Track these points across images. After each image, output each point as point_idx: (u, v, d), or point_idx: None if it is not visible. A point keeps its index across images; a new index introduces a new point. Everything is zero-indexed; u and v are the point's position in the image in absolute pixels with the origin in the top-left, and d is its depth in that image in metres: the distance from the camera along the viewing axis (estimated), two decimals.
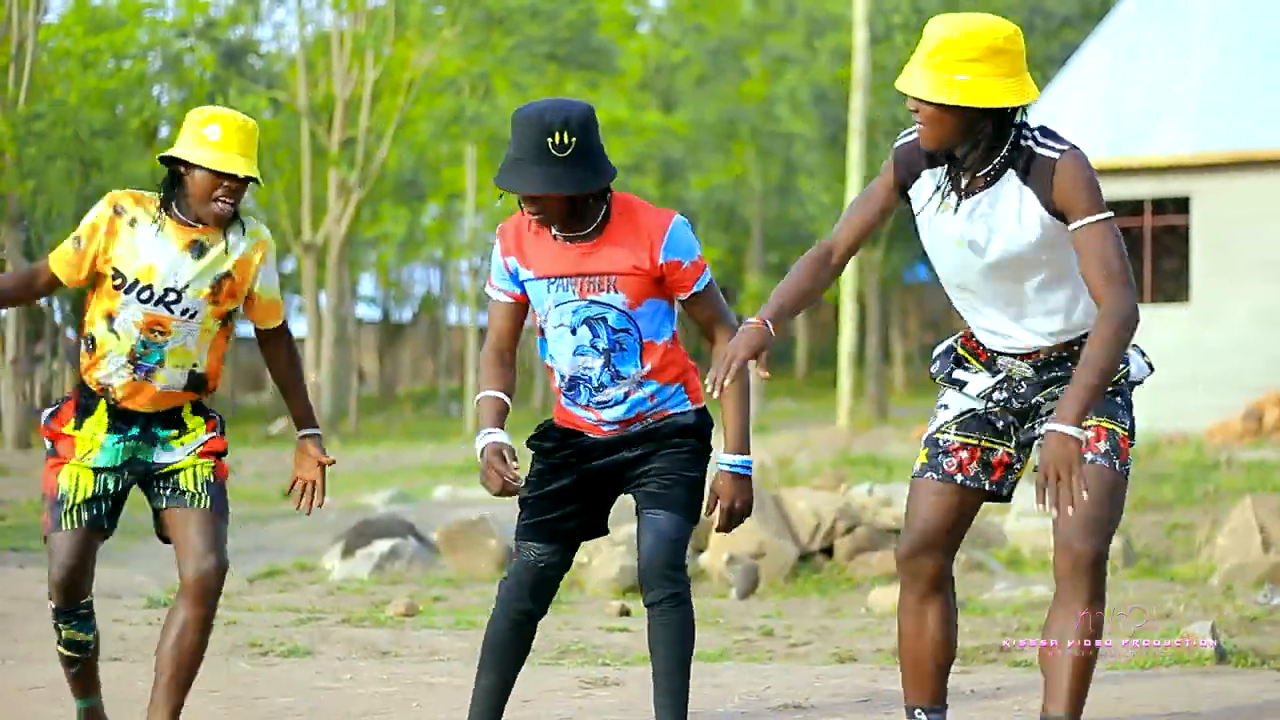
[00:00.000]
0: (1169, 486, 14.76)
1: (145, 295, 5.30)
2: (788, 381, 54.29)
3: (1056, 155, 4.63)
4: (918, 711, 4.98)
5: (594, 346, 5.04)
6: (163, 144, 43.35)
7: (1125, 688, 6.57)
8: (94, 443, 5.36)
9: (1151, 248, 24.11)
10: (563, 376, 5.09)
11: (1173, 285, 24.31)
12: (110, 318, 5.32)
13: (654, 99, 49.18)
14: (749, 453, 5.06)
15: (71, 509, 5.33)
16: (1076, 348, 4.80)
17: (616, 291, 5.00)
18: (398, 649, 8.19)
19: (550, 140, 4.83)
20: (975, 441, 4.92)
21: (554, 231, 4.99)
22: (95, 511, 5.35)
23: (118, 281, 5.31)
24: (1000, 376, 4.88)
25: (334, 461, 5.65)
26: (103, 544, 5.47)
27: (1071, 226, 4.62)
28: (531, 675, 7.13)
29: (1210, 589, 10.16)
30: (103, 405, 5.36)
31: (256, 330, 5.53)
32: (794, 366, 56.10)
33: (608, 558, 10.76)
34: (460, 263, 49.93)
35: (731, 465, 5.03)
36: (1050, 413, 4.81)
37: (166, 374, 5.34)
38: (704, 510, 5.07)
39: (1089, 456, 4.70)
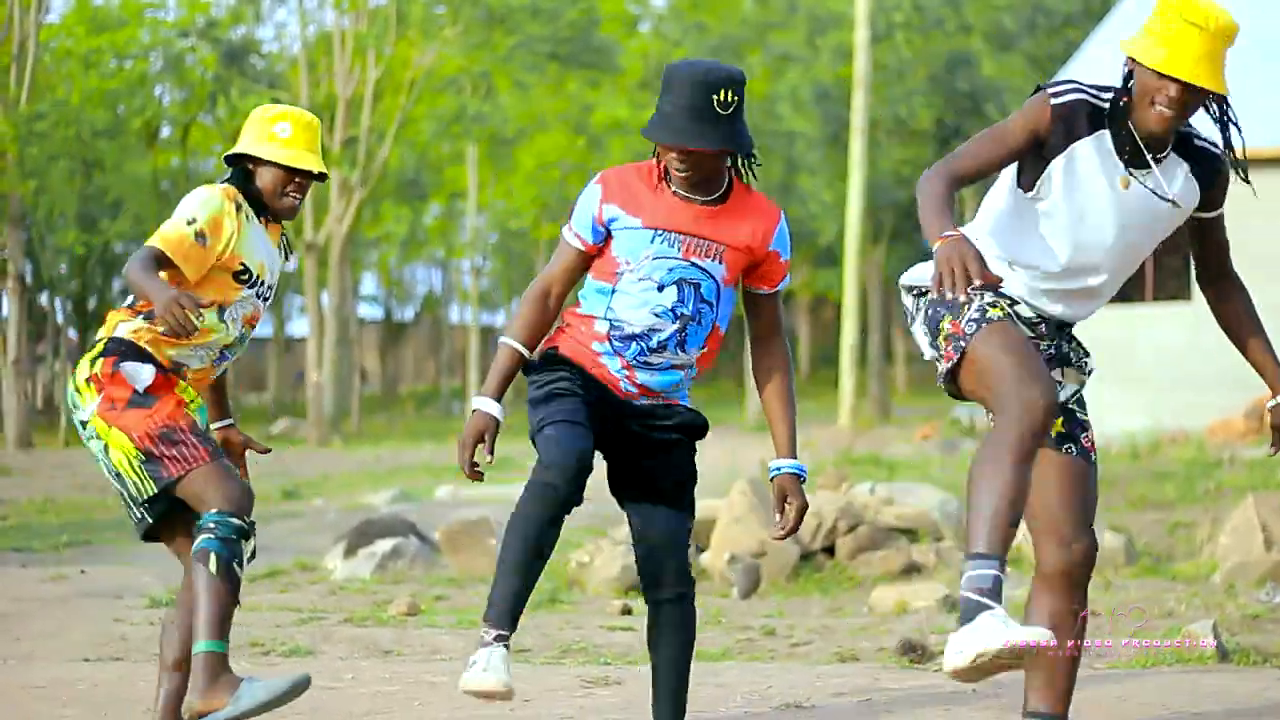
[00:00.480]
0: (1171, 485, 14.75)
1: (261, 290, 5.44)
2: None
3: (1218, 150, 4.79)
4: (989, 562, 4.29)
5: (673, 311, 4.99)
6: (165, 144, 43.41)
7: (1127, 686, 6.57)
8: (194, 399, 5.38)
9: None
10: (615, 328, 5.02)
11: (1174, 283, 24.31)
12: (223, 309, 5.36)
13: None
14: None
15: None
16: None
17: (720, 262, 4.99)
18: (400, 648, 8.19)
19: (716, 98, 4.85)
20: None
21: (675, 188, 4.99)
22: None
23: (245, 276, 5.37)
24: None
25: (269, 450, 5.76)
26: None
27: (1216, 213, 4.88)
28: (533, 674, 7.13)
29: (1212, 587, 10.16)
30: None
31: None
32: (796, 366, 56.09)
33: (609, 557, 10.77)
34: (462, 262, 49.95)
35: (797, 469, 5.10)
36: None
37: (228, 364, 5.50)
38: (773, 510, 5.11)
39: (1092, 456, 4.79)
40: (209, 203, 5.30)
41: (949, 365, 4.64)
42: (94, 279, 44.02)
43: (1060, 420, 4.78)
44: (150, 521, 5.35)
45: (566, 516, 4.87)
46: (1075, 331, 4.93)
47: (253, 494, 5.31)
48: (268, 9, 48.13)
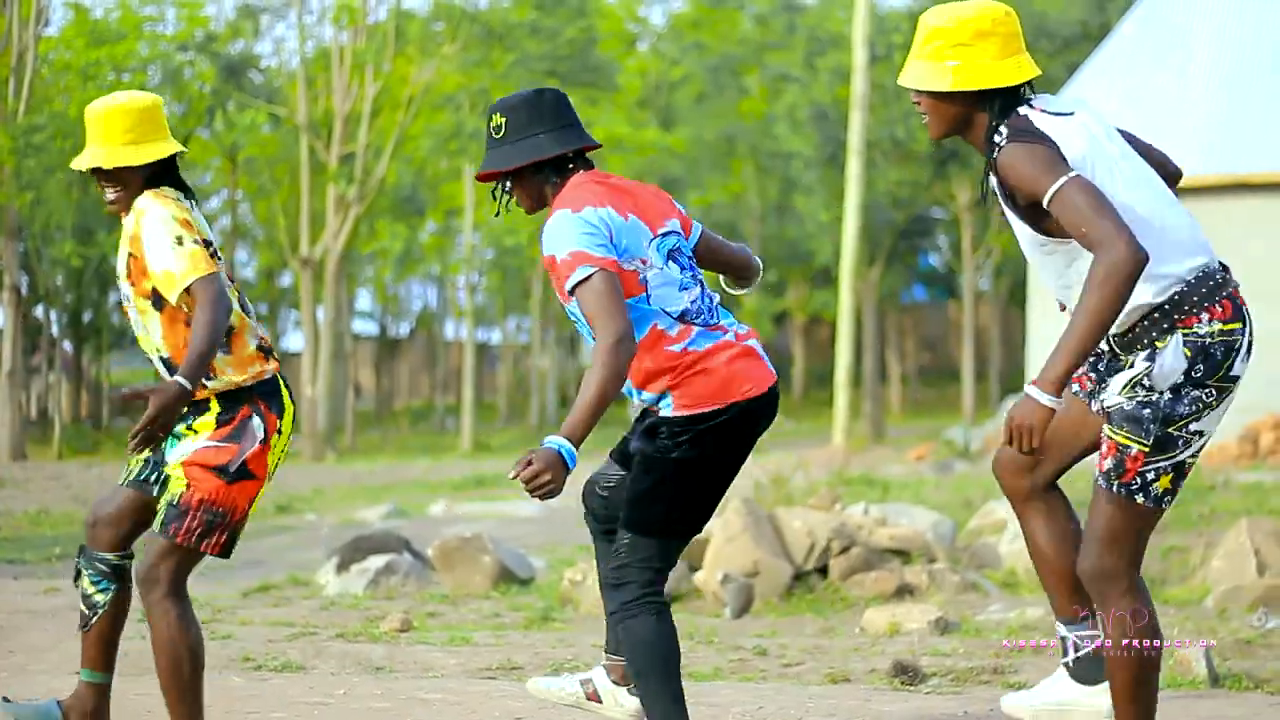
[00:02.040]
0: None
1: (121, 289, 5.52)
2: (784, 401, 54.26)
3: (997, 154, 4.63)
4: (1058, 624, 5.03)
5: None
6: None
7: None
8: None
9: None
10: None
11: None
12: None
13: (653, 116, 49.25)
14: (573, 439, 4.66)
15: (129, 464, 5.50)
16: (1128, 336, 4.69)
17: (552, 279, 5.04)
18: (392, 664, 8.18)
19: (490, 125, 5.04)
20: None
21: None
22: (144, 475, 5.46)
23: None
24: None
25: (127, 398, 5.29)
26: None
27: (1046, 205, 4.55)
28: (525, 691, 7.12)
29: (1204, 611, 10.16)
30: None
31: None
32: (790, 386, 56.13)
33: None
34: (458, 278, 49.94)
35: (556, 446, 4.62)
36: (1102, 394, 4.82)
37: (154, 361, 5.45)
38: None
39: (1095, 474, 4.74)
40: None
41: None
42: (90, 291, 43.98)
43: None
44: None
45: (603, 531, 5.27)
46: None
47: (96, 515, 5.52)
48: (266, 24, 48.15)
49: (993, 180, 4.72)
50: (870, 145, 34.80)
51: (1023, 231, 4.74)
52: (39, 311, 43.97)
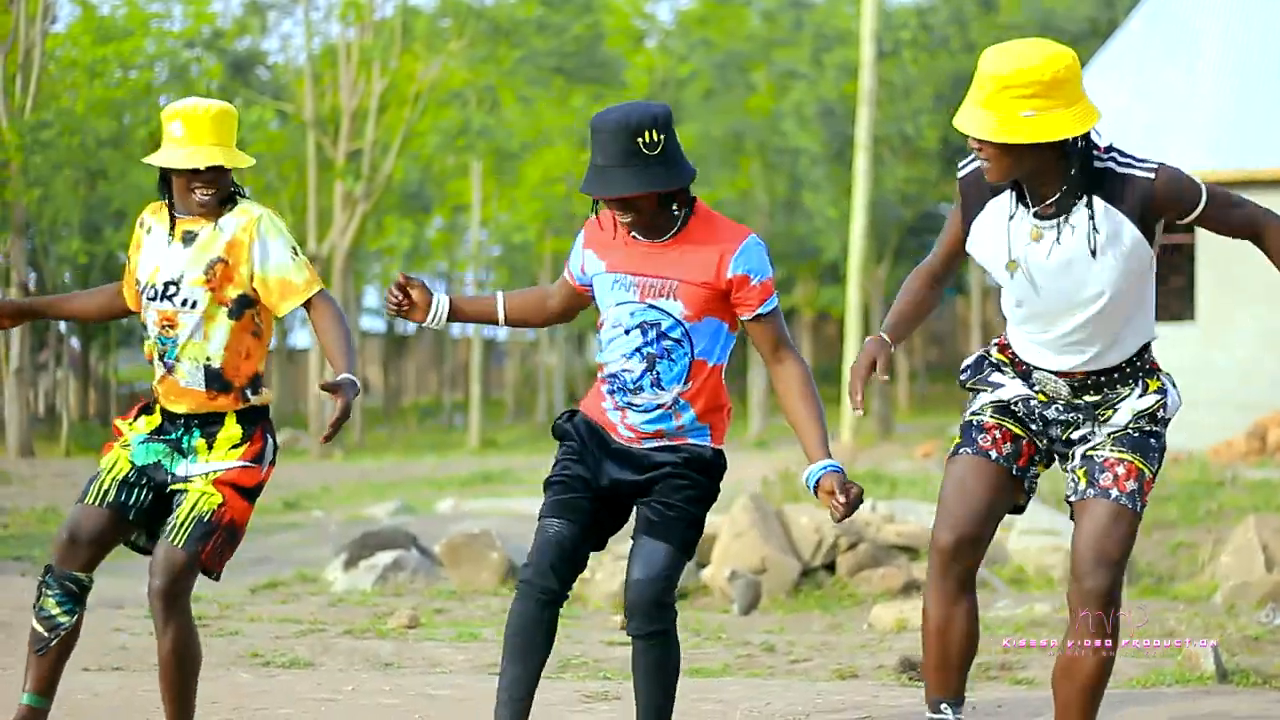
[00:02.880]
0: (1172, 505, 14.74)
1: (152, 294, 5.37)
2: None
3: (1150, 175, 4.62)
4: (943, 705, 4.98)
5: (640, 350, 4.99)
6: None
7: (1127, 707, 6.56)
8: (135, 431, 5.43)
9: (1157, 266, 24.15)
10: (607, 372, 5.09)
11: (1179, 304, 24.31)
12: (145, 325, 5.42)
13: None
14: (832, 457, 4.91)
15: (100, 483, 5.39)
16: (1115, 374, 4.81)
17: (676, 299, 4.95)
18: (399, 661, 8.19)
19: (641, 140, 4.82)
20: (1008, 426, 4.93)
21: (633, 232, 4.98)
22: (123, 497, 5.37)
23: (142, 290, 5.41)
24: (1035, 389, 4.90)
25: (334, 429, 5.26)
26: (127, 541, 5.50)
27: (1200, 212, 4.74)
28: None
29: (1213, 608, 10.16)
30: (159, 408, 5.44)
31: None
32: None
33: (610, 572, 10.76)
34: (465, 275, 49.97)
35: (835, 468, 4.83)
36: (1082, 437, 4.86)
37: (184, 369, 5.35)
38: (832, 504, 4.80)
39: (1113, 493, 4.76)
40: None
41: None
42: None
43: (1081, 469, 4.84)
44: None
45: (556, 602, 5.04)
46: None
47: (73, 538, 5.38)
48: (273, 21, 48.18)
49: (1080, 210, 4.63)
50: (878, 141, 34.80)
51: (1093, 265, 4.67)
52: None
